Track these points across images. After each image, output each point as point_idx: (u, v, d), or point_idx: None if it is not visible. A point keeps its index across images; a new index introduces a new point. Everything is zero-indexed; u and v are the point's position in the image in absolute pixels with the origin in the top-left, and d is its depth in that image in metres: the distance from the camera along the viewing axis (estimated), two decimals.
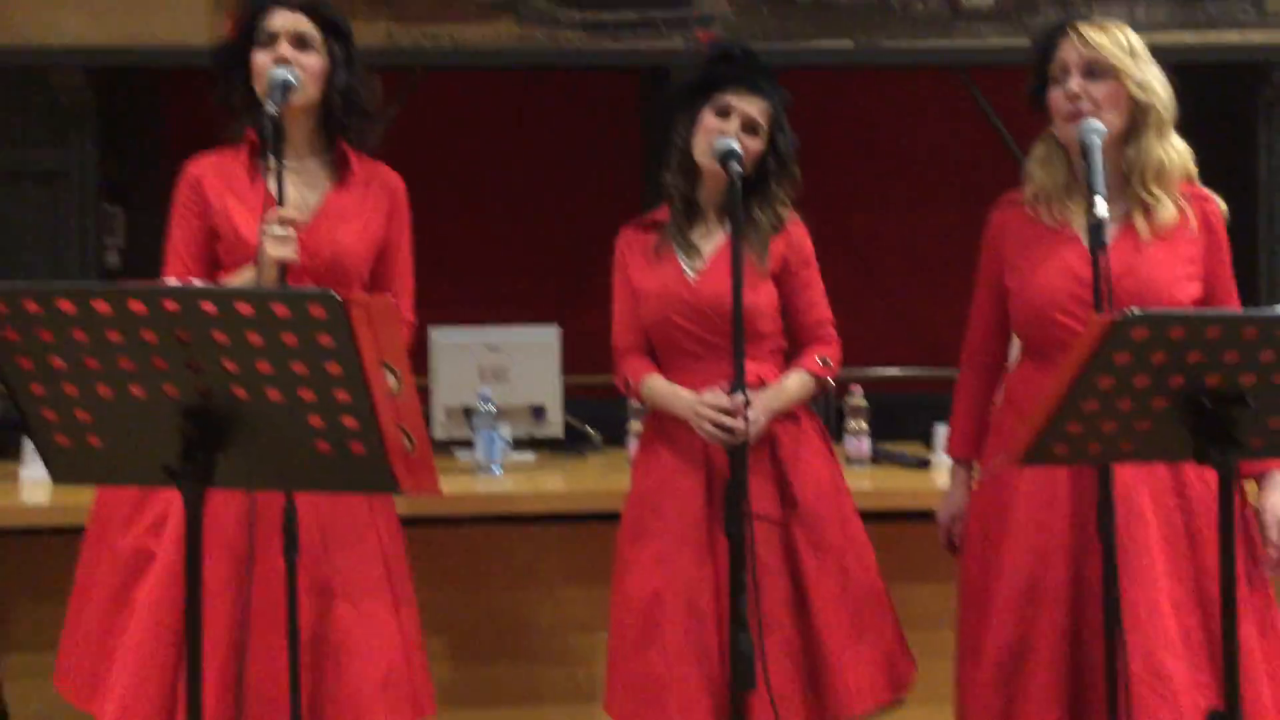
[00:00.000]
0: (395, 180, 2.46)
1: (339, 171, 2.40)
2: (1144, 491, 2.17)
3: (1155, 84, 2.23)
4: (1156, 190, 2.22)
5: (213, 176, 2.38)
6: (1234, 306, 2.30)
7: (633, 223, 2.59)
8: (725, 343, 2.32)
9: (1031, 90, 2.31)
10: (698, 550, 2.37)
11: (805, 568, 2.40)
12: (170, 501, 2.22)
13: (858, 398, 3.39)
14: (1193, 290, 2.24)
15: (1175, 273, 2.22)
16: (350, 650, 2.24)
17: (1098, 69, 2.20)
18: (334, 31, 2.37)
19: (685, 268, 2.47)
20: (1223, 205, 2.29)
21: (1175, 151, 2.24)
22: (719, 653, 2.31)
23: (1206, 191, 2.29)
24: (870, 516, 2.89)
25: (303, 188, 2.36)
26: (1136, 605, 2.11)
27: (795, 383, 2.47)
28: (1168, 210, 2.22)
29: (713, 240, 2.48)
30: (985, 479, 2.35)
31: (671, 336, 2.47)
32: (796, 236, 2.51)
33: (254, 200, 2.30)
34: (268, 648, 2.18)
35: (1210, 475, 2.08)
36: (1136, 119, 2.22)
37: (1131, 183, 2.22)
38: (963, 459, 2.45)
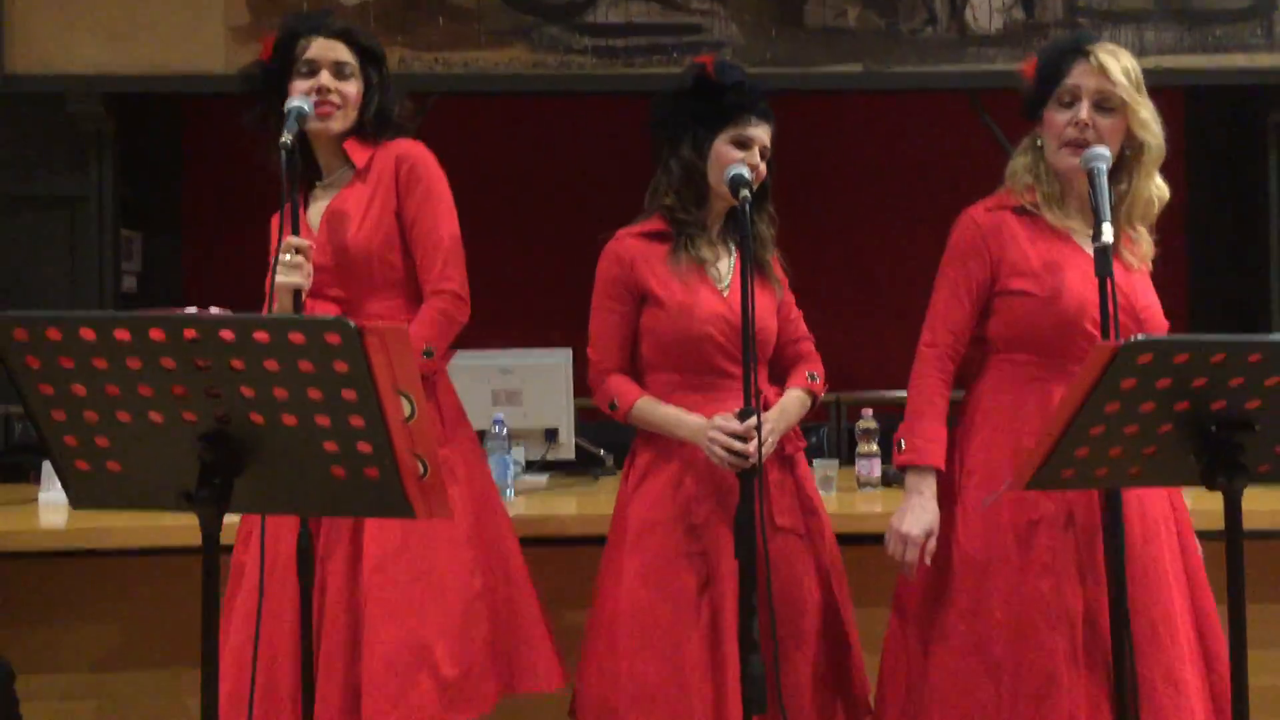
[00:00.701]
0: (403, 149, 2.42)
1: (352, 174, 2.44)
2: (1154, 508, 2.20)
3: (1153, 122, 2.23)
4: (1140, 226, 2.28)
5: (277, 216, 2.44)
6: None
7: (630, 231, 2.50)
8: (754, 361, 2.32)
9: (1030, 100, 2.30)
10: (729, 570, 2.36)
11: (833, 580, 2.46)
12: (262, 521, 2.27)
13: (869, 420, 3.40)
14: None
15: (1157, 300, 2.30)
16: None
17: (1108, 102, 2.21)
18: (370, 57, 2.42)
19: (718, 284, 2.45)
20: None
21: (1160, 190, 2.27)
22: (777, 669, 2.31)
23: None
24: (880, 539, 2.90)
25: (321, 201, 2.43)
26: (1156, 618, 2.14)
27: (795, 402, 2.48)
28: (1148, 244, 2.29)
29: (726, 263, 2.49)
30: (995, 499, 2.30)
31: (706, 354, 2.42)
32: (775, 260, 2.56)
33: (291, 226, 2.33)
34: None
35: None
36: (1128, 154, 2.23)
37: (1119, 214, 2.24)
38: (938, 468, 2.31)
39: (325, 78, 2.35)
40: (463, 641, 2.31)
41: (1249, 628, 1.70)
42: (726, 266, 2.48)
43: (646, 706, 2.32)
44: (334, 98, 2.35)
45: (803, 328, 2.59)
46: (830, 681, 2.42)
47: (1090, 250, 2.23)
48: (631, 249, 2.46)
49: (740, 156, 2.39)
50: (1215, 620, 2.25)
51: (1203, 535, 2.33)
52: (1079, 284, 2.21)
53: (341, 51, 2.38)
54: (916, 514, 2.28)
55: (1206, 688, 2.17)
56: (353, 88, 2.38)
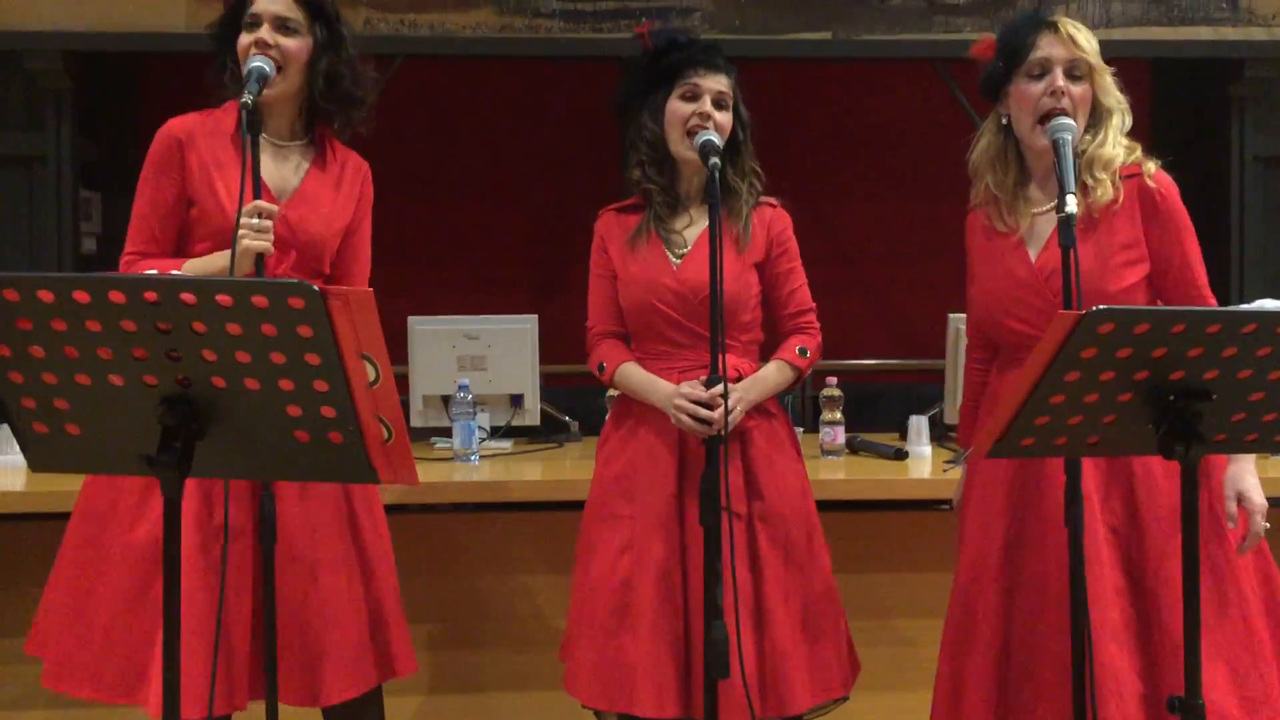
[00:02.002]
0: (365, 166, 2.50)
1: (318, 154, 2.42)
2: (1089, 479, 2.20)
3: (1115, 90, 2.27)
4: (1100, 174, 2.24)
5: (197, 139, 2.35)
6: (1196, 280, 2.28)
7: (611, 206, 2.58)
8: (707, 331, 2.33)
9: (992, 77, 2.30)
10: (669, 537, 2.39)
11: (765, 564, 2.41)
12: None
13: (833, 388, 3.41)
14: (1132, 275, 2.23)
15: (1108, 263, 2.22)
16: (311, 620, 2.30)
17: (1078, 70, 2.23)
18: (320, 15, 2.37)
19: (669, 253, 2.47)
20: (1150, 167, 2.25)
21: (1123, 147, 2.27)
22: (688, 641, 2.34)
23: (1138, 166, 2.25)
24: (843, 506, 2.93)
25: (283, 166, 2.39)
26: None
27: (774, 373, 2.48)
28: (1104, 190, 2.23)
29: (697, 228, 2.48)
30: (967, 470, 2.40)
31: (653, 323, 2.47)
32: (779, 225, 2.53)
33: (237, 174, 2.26)
34: (241, 620, 2.24)
35: (1156, 466, 2.15)
36: (1092, 122, 2.25)
37: (1079, 170, 2.22)
38: (966, 448, 2.48)
39: (265, 31, 2.30)
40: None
41: None
42: (694, 234, 2.47)
43: (577, 669, 2.41)
44: (273, 53, 2.29)
45: (804, 299, 2.55)
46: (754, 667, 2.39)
47: (1033, 236, 2.28)
48: (605, 224, 2.56)
49: (691, 109, 2.40)
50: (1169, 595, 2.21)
51: None
52: (995, 282, 2.29)
53: (287, 6, 2.33)
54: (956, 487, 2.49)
55: (1146, 669, 2.19)
56: (296, 44, 2.32)
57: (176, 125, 2.36)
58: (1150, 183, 2.23)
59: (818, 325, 2.56)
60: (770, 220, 2.52)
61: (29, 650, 2.32)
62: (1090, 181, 2.24)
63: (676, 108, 2.43)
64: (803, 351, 2.51)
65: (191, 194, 2.33)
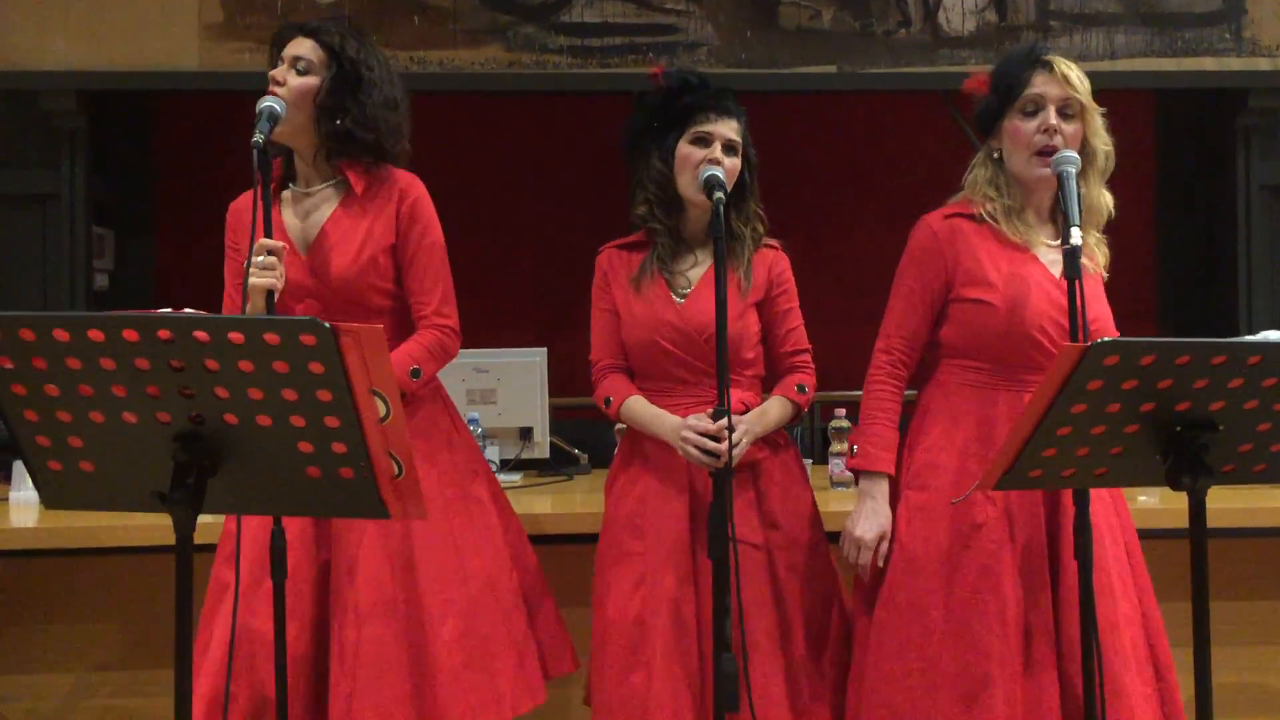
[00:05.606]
0: (406, 183, 2.46)
1: (345, 193, 2.44)
2: (1098, 511, 2.20)
3: (1104, 132, 2.30)
4: (1094, 232, 2.32)
5: (243, 212, 2.45)
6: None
7: (614, 243, 2.59)
8: (710, 368, 2.35)
9: (988, 111, 2.34)
10: (680, 572, 2.39)
11: (787, 594, 2.44)
12: (237, 530, 2.29)
13: (842, 420, 3.41)
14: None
15: (1109, 310, 2.33)
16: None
17: (1070, 110, 2.26)
18: (337, 55, 2.40)
19: (672, 293, 2.49)
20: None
21: (1107, 198, 2.32)
22: (702, 674, 2.34)
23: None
24: None
25: (307, 215, 2.43)
26: (1101, 627, 2.15)
27: (776, 408, 2.50)
28: (1103, 252, 2.33)
29: (701, 268, 2.50)
30: (947, 505, 2.32)
31: (656, 360, 2.49)
32: (779, 266, 2.55)
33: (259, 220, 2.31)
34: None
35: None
36: (1083, 162, 2.26)
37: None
38: (889, 474, 2.38)
39: (279, 70, 2.38)
40: (517, 636, 2.44)
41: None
42: (698, 274, 2.50)
43: (599, 710, 2.42)
44: (281, 91, 2.34)
45: (801, 339, 2.57)
46: (786, 697, 2.40)
47: (1046, 261, 2.28)
48: (608, 261, 2.57)
49: (702, 154, 2.42)
50: (1160, 626, 2.28)
51: (1167, 534, 2.38)
52: (1036, 295, 2.27)
53: (304, 47, 2.39)
54: (869, 518, 2.36)
55: (1155, 695, 2.20)
56: (302, 82, 2.37)
57: (234, 203, 2.50)
58: None
59: (813, 365, 2.58)
60: (771, 261, 2.54)
61: None
62: (1089, 241, 2.29)
63: (688, 152, 2.44)
64: (801, 389, 2.53)
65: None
